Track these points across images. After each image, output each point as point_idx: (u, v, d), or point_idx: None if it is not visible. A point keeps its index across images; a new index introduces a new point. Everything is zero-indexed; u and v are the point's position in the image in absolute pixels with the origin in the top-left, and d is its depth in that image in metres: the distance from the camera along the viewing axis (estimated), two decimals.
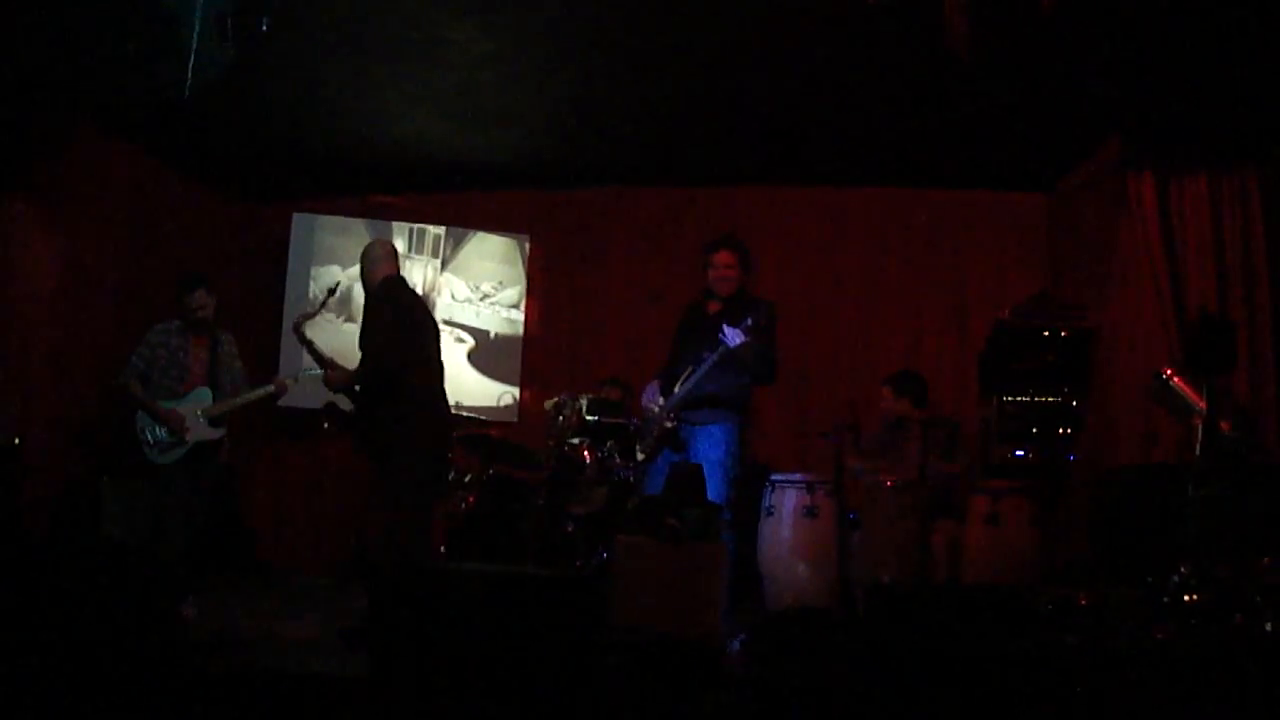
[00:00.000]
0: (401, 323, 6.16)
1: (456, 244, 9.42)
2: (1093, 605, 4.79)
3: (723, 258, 6.54)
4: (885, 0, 5.76)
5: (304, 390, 8.82)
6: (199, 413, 6.76)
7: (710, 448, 6.19)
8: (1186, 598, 4.69)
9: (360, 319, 6.36)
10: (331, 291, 6.63)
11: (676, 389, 6.33)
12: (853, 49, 6.54)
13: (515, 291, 9.44)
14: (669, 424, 6.30)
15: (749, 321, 6.04)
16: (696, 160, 8.73)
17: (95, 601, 4.70)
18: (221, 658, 5.35)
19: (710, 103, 7.52)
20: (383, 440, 6.09)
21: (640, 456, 6.44)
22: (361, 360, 6.15)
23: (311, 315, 6.63)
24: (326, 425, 6.43)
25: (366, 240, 9.04)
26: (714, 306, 6.57)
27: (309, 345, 6.46)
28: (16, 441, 6.82)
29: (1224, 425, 5.64)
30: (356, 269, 6.70)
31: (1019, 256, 8.77)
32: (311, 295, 9.11)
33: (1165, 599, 4.72)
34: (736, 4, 6.12)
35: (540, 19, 6.38)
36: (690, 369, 6.26)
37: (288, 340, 8.87)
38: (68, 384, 7.66)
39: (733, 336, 6.03)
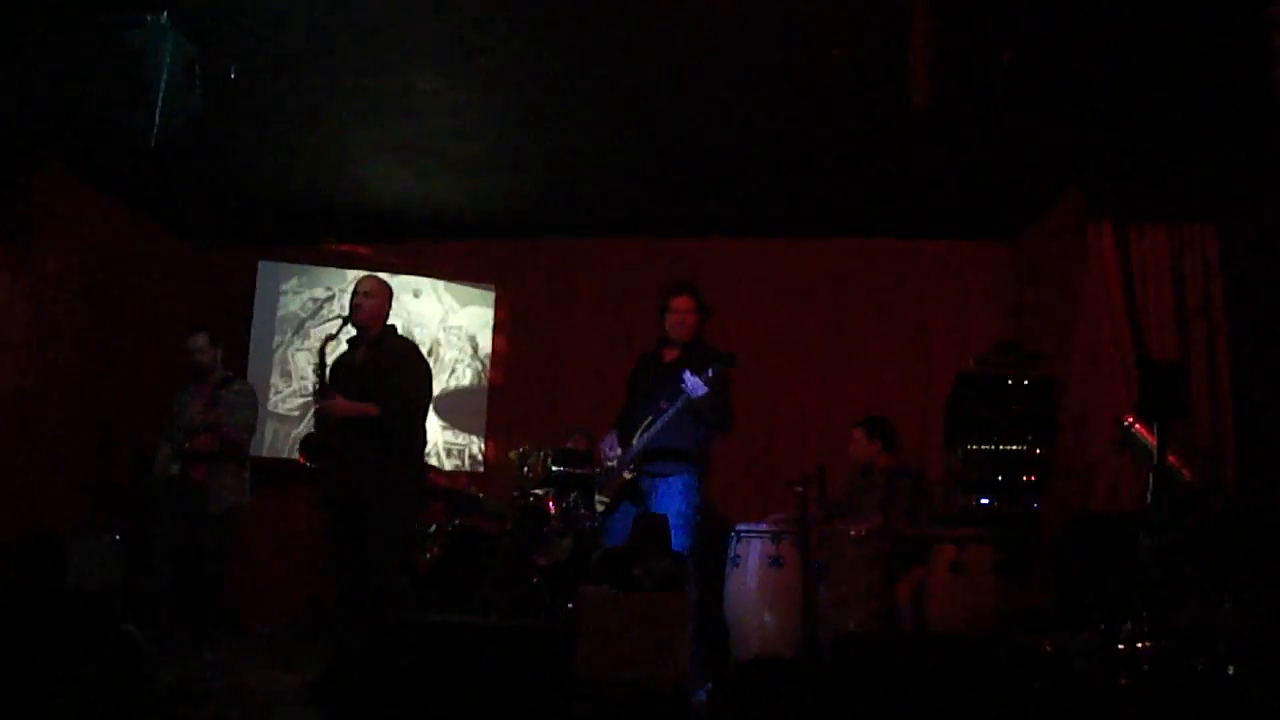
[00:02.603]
0: (429, 376, 6.27)
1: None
2: (1056, 653, 4.80)
3: (682, 302, 6.49)
4: (849, 55, 5.86)
5: (270, 441, 8.88)
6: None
7: (671, 499, 6.15)
8: (1140, 645, 4.70)
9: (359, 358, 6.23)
10: (346, 321, 6.42)
11: (635, 440, 6.30)
12: (817, 102, 6.61)
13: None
14: (628, 475, 6.26)
15: (710, 372, 6.01)
16: (662, 211, 8.78)
17: (59, 653, 4.65)
18: (187, 709, 5.30)
19: (676, 155, 7.58)
20: (379, 487, 5.93)
21: (600, 508, 6.41)
22: (383, 400, 6.00)
23: (335, 337, 6.36)
24: (308, 463, 6.10)
25: (330, 275, 9.11)
26: (671, 354, 6.51)
27: (324, 368, 6.24)
28: None
29: (1186, 472, 5.68)
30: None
31: (982, 305, 8.84)
32: (275, 343, 9.16)
33: (1120, 645, 4.73)
34: (701, 58, 6.18)
35: (508, 70, 6.42)
36: (650, 419, 6.24)
37: (254, 376, 8.92)
38: (33, 431, 7.59)
39: (695, 386, 5.99)
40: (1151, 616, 4.87)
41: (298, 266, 9.39)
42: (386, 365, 6.13)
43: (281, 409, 9.01)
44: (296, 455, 6.15)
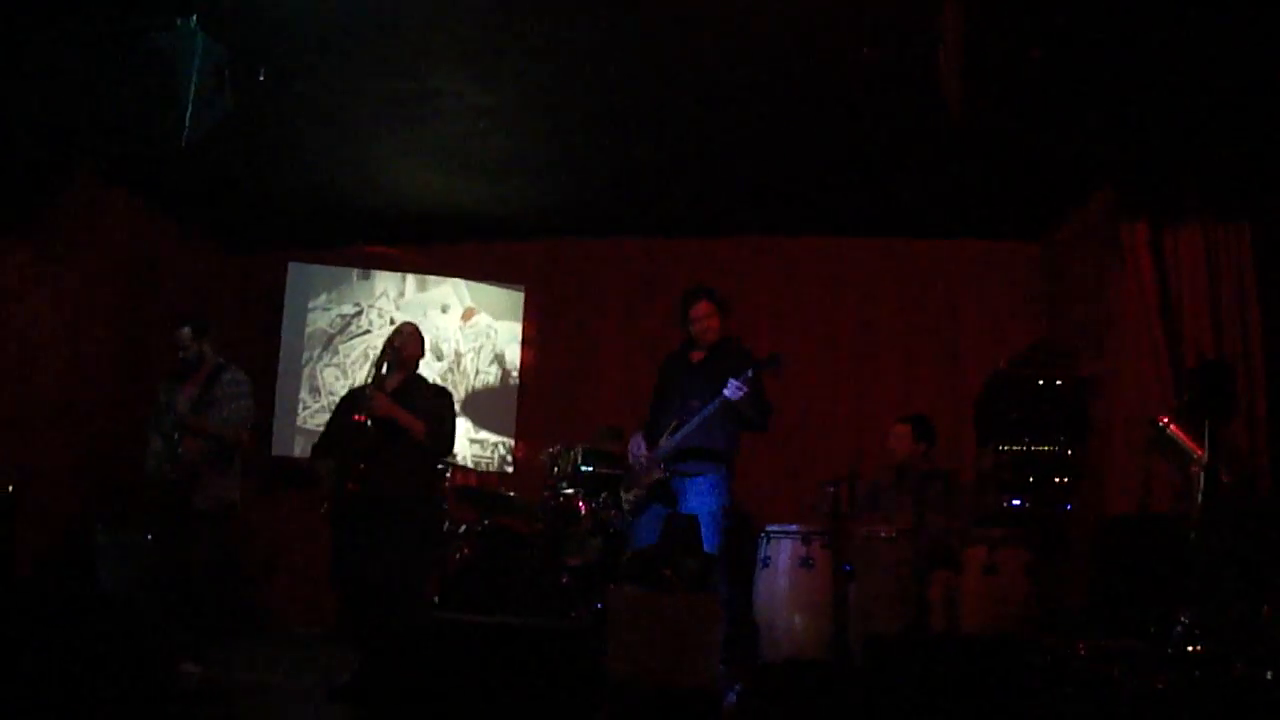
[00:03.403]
0: None
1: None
2: (1091, 655, 4.76)
3: (702, 308, 6.52)
4: (880, 53, 5.83)
5: (299, 439, 8.91)
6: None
7: (701, 499, 6.16)
8: (1190, 648, 4.65)
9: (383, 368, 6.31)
10: (384, 360, 6.51)
11: (665, 440, 6.29)
12: (848, 102, 6.59)
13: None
14: (660, 474, 6.26)
15: (749, 373, 6.01)
16: (691, 211, 8.76)
17: (88, 652, 4.66)
18: (214, 710, 5.31)
19: (705, 154, 7.56)
20: (403, 505, 6.13)
21: (627, 508, 6.41)
22: (429, 427, 6.21)
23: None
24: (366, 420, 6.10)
25: (359, 291, 9.12)
26: (698, 355, 6.54)
27: (381, 364, 6.31)
28: (10, 489, 6.77)
29: (1222, 473, 5.63)
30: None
31: (1013, 306, 8.78)
32: (305, 359, 9.32)
33: (1169, 649, 4.68)
34: (730, 57, 6.16)
35: (536, 71, 6.42)
36: (681, 419, 6.23)
37: (283, 386, 8.99)
38: (64, 430, 7.64)
39: (735, 390, 6.00)
40: (1202, 619, 4.83)
41: (327, 280, 9.42)
42: (428, 399, 6.35)
43: (310, 424, 9.00)
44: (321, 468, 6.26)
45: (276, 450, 9.02)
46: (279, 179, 8.21)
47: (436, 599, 7.24)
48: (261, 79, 5.78)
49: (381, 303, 9.32)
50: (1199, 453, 5.46)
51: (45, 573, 7.15)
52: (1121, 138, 6.70)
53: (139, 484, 6.89)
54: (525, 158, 7.75)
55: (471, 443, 9.22)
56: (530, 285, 9.58)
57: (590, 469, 6.92)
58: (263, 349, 9.17)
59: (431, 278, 9.42)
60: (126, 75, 5.22)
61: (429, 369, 8.76)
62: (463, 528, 7.58)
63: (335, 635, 7.71)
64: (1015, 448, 6.90)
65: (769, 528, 6.71)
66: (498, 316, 9.51)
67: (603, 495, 6.85)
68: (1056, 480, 6.89)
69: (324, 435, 6.51)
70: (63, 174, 7.51)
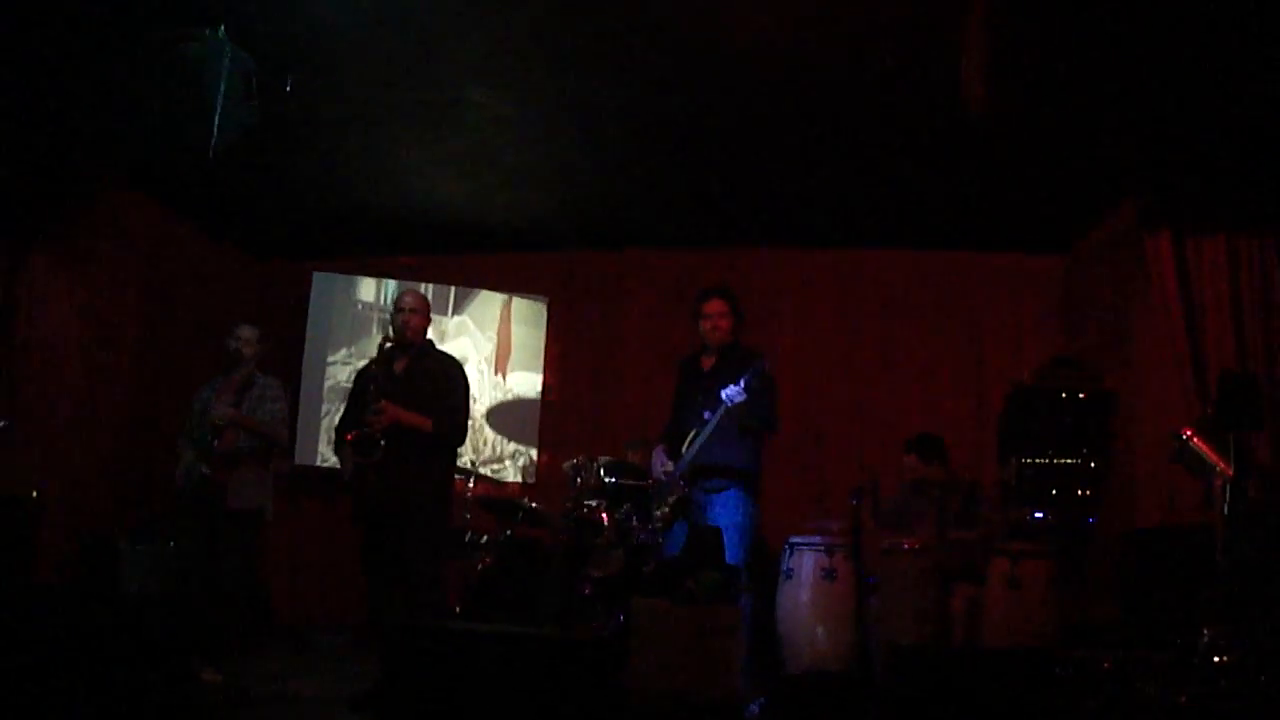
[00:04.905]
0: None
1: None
2: (1116, 668, 4.74)
3: (714, 305, 6.48)
4: (902, 63, 5.83)
5: (322, 447, 8.92)
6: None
7: (726, 512, 6.13)
8: (1216, 660, 4.63)
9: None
10: (387, 339, 6.40)
11: (684, 453, 6.28)
12: (871, 113, 6.59)
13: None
14: (681, 491, 6.24)
15: (742, 381, 5.98)
16: (714, 222, 8.77)
17: (110, 660, 4.69)
18: (235, 716, 5.33)
19: (728, 165, 7.57)
20: (418, 499, 6.01)
21: (658, 525, 6.38)
22: (439, 416, 6.08)
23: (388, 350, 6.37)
24: (360, 459, 5.96)
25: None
26: (708, 362, 6.51)
27: (387, 375, 6.22)
28: (35, 494, 6.80)
29: (1251, 489, 5.60)
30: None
31: (1036, 318, 8.77)
32: (330, 355, 9.19)
33: (1195, 662, 4.66)
34: (754, 68, 6.17)
35: (560, 82, 6.44)
36: (695, 431, 6.22)
37: (307, 394, 9.05)
38: (87, 437, 7.68)
39: (733, 395, 5.97)
40: (1227, 631, 4.81)
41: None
42: (438, 380, 6.20)
43: (332, 460, 8.95)
44: (344, 455, 6.12)
45: (299, 459, 9.03)
46: (304, 189, 8.25)
47: (458, 609, 7.26)
48: (289, 89, 5.81)
49: None
50: (1221, 465, 5.45)
51: (68, 579, 7.18)
52: (1145, 149, 6.68)
53: (169, 493, 6.85)
54: (550, 168, 7.77)
55: (494, 453, 9.21)
56: (554, 296, 9.59)
57: (613, 480, 6.91)
58: (288, 356, 9.16)
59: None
60: (155, 85, 5.25)
61: None
62: (484, 538, 7.60)
63: (358, 640, 7.73)
64: (1038, 460, 6.88)
65: (792, 539, 6.70)
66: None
67: (626, 507, 6.85)
68: (1079, 493, 6.88)
69: (341, 424, 6.35)
70: (88, 181, 7.55)
